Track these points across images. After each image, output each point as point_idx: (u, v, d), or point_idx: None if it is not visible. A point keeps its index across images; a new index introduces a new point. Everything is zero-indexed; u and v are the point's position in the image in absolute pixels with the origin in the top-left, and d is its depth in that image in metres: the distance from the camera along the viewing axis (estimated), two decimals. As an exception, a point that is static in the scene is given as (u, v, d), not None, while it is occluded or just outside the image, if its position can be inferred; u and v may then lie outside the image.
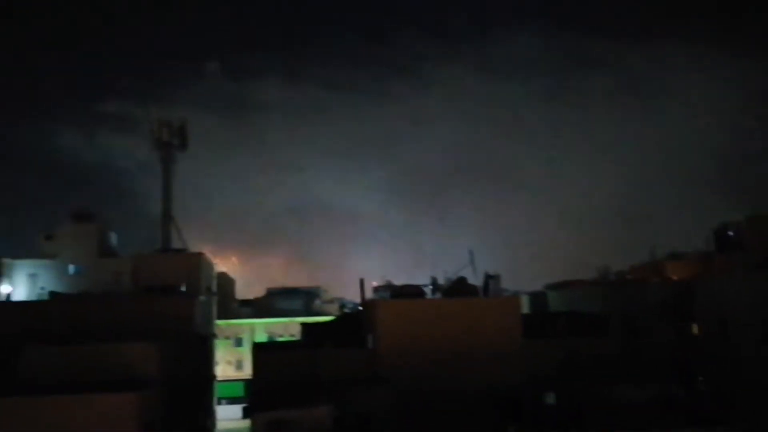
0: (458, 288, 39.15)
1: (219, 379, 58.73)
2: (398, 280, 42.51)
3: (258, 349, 39.29)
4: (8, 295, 50.40)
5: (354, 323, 40.66)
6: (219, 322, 62.76)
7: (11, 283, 51.64)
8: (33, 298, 50.78)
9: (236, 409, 51.21)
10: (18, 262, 52.96)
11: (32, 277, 52.57)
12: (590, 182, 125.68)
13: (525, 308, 51.14)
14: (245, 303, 73.48)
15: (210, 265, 58.86)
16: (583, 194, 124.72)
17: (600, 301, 48.00)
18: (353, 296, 63.77)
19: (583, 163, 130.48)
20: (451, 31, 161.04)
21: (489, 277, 40.24)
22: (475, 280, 40.39)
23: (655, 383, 31.97)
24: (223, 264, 74.91)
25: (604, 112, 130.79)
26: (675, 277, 50.45)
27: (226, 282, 70.22)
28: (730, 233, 52.22)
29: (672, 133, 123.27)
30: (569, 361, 36.50)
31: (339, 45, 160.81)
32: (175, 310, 43.49)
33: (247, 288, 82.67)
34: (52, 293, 48.92)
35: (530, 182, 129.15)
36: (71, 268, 53.17)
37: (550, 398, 31.98)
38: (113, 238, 58.93)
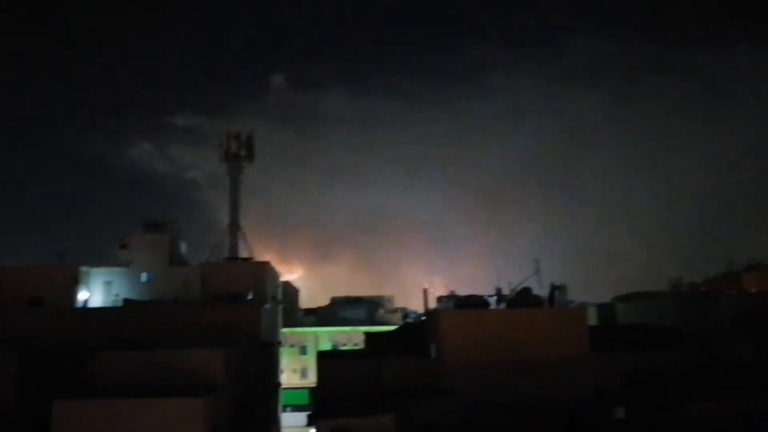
0: (522, 299, 38.51)
1: (284, 386, 59.44)
2: (462, 290, 42.13)
3: (322, 357, 39.61)
4: (85, 302, 52.36)
5: (417, 333, 40.54)
6: (284, 330, 63.60)
7: (88, 290, 53.64)
8: (108, 304, 52.59)
9: (301, 417, 51.75)
10: (94, 269, 54.97)
11: (107, 284, 54.46)
12: (662, 191, 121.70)
13: (592, 320, 49.85)
14: (310, 312, 74.26)
15: (275, 274, 59.79)
16: (654, 204, 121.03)
17: (672, 314, 46.38)
18: (416, 306, 63.67)
19: (654, 172, 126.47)
20: (515, 37, 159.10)
21: (555, 288, 39.44)
22: (541, 290, 39.67)
23: (731, 400, 30.58)
24: (288, 273, 76.08)
25: (677, 119, 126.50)
26: (753, 290, 48.36)
27: (290, 291, 71.21)
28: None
29: (748, 141, 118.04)
30: (640, 376, 35.37)
31: (402, 54, 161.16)
32: (242, 318, 44.39)
33: (311, 297, 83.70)
34: (125, 300, 50.61)
35: (598, 191, 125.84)
36: (143, 276, 54.85)
37: (619, 413, 31.07)
38: (183, 246, 60.57)
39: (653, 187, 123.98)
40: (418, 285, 43.42)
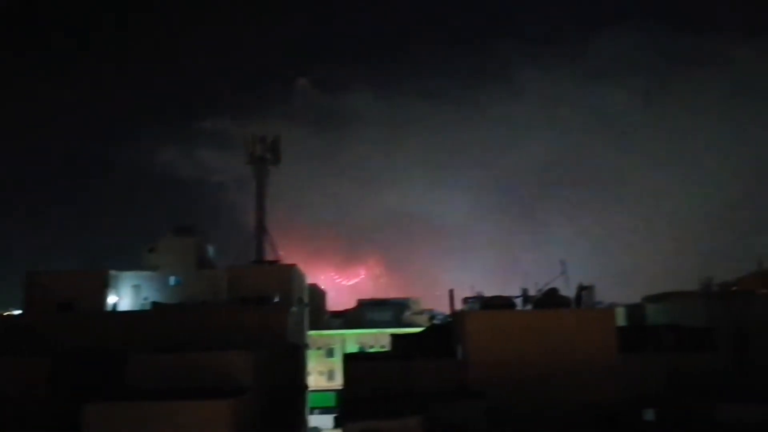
0: (549, 299, 38.14)
1: (311, 389, 59.63)
2: (490, 291, 41.81)
3: (349, 359, 39.60)
4: (114, 305, 53.11)
5: (444, 334, 40.35)
6: (311, 332, 63.82)
7: (117, 294, 54.40)
8: (137, 308, 53.25)
9: (328, 419, 51.86)
10: (123, 273, 55.73)
11: (136, 288, 55.20)
12: (694, 190, 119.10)
13: (621, 321, 49.14)
14: (336, 314, 74.42)
15: (302, 277, 60.05)
16: (685, 202, 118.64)
17: (703, 314, 45.56)
18: (443, 307, 63.37)
19: (686, 169, 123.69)
20: (544, 34, 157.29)
21: (582, 288, 39.00)
22: (568, 291, 39.22)
23: (764, 401, 29.97)
24: (315, 275, 76.28)
25: (712, 116, 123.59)
26: (787, 288, 47.35)
27: (317, 293, 71.43)
28: None
29: None
30: (672, 378, 34.83)
31: (428, 53, 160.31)
32: (269, 321, 44.61)
33: (338, 299, 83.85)
34: (154, 303, 51.20)
35: (629, 190, 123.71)
36: (171, 280, 55.49)
37: (649, 414, 30.65)
38: (210, 250, 61.14)
39: (685, 185, 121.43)
40: (445, 286, 43.13)
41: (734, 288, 54.29)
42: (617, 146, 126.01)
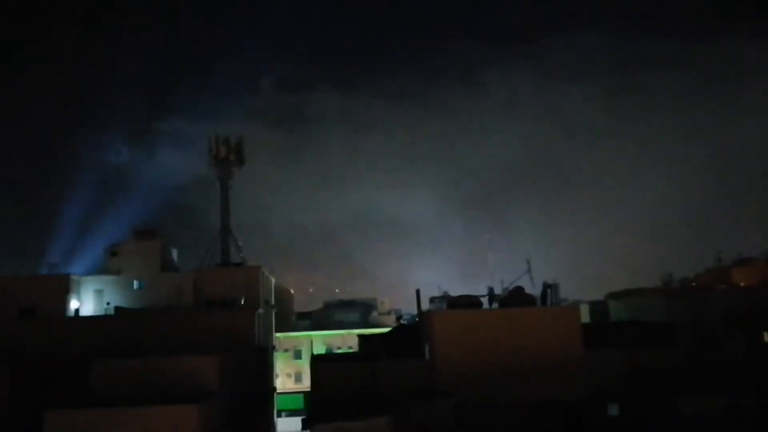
0: (515, 298, 38.59)
1: (279, 391, 59.29)
2: (457, 291, 42.18)
3: (316, 361, 39.56)
4: (77, 311, 52.09)
5: (411, 334, 40.54)
6: (278, 334, 63.46)
7: (79, 299, 53.37)
8: (99, 313, 52.35)
9: (296, 422, 51.59)
10: (85, 278, 54.72)
11: (98, 292, 54.23)
12: (653, 187, 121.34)
13: (585, 318, 50.00)
14: (303, 315, 74.12)
15: (268, 279, 59.68)
16: (645, 200, 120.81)
17: (664, 310, 46.58)
18: (411, 307, 63.65)
19: (645, 167, 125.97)
20: (505, 34, 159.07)
21: (547, 287, 39.55)
22: (533, 289, 39.76)
23: (724, 395, 30.77)
24: (281, 277, 75.83)
25: (673, 114, 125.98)
26: (742, 284, 48.68)
27: (284, 295, 71.05)
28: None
29: (743, 134, 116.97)
30: (633, 372, 35.50)
31: (391, 53, 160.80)
32: (235, 324, 44.29)
33: (305, 301, 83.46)
34: (117, 308, 50.38)
35: (592, 188, 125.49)
36: (135, 284, 54.64)
37: (614, 409, 31.21)
38: (174, 253, 60.36)
39: (647, 182, 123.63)
40: (412, 286, 43.39)
41: (693, 284, 55.63)
42: (579, 145, 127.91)
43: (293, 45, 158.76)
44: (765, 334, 41.21)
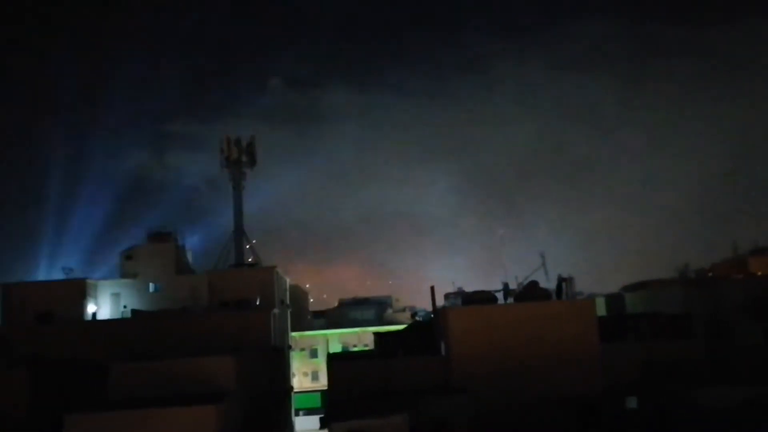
0: (529, 292, 38.44)
1: (296, 390, 59.53)
2: (473, 286, 41.99)
3: (333, 359, 39.64)
4: (94, 315, 52.57)
5: (426, 331, 40.53)
6: (294, 334, 63.70)
7: (96, 303, 53.85)
8: (116, 316, 52.79)
9: (314, 420, 51.71)
10: (102, 282, 55.22)
11: (115, 296, 54.72)
12: (668, 177, 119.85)
13: (601, 311, 49.76)
14: (318, 314, 74.34)
15: (283, 278, 59.89)
16: (660, 190, 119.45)
17: (681, 302, 46.28)
18: (426, 304, 63.67)
19: (660, 157, 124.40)
20: (517, 26, 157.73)
21: (562, 280, 39.33)
22: (548, 283, 39.54)
23: (742, 386, 30.51)
24: (296, 276, 76.03)
25: (688, 102, 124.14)
26: (759, 273, 48.27)
27: (299, 294, 71.28)
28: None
29: (760, 121, 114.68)
30: (650, 365, 35.29)
31: (402, 48, 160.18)
32: (251, 324, 44.53)
33: (321, 299, 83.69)
34: (133, 311, 50.79)
35: (606, 180, 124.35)
36: (151, 287, 55.07)
37: (631, 402, 31.04)
38: (189, 255, 60.74)
39: (662, 172, 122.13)
40: (427, 283, 43.26)
41: (709, 274, 55.20)
42: (595, 136, 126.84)
43: (303, 43, 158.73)
44: (783, 323, 40.86)
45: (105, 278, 56.22)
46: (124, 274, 56.31)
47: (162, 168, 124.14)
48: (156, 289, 54.95)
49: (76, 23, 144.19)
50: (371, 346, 50.11)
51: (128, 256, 56.84)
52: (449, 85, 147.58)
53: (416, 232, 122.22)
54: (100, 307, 54.05)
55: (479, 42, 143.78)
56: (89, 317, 51.74)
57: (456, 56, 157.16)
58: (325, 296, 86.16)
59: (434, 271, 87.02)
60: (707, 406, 27.97)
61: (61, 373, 35.30)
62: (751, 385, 30.42)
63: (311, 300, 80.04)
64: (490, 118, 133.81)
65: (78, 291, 51.91)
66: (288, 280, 63.42)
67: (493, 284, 40.79)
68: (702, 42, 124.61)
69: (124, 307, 53.61)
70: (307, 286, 79.44)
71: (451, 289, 48.74)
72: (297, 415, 58.44)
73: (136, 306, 52.59)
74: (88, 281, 53.36)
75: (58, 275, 55.59)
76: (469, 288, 42.68)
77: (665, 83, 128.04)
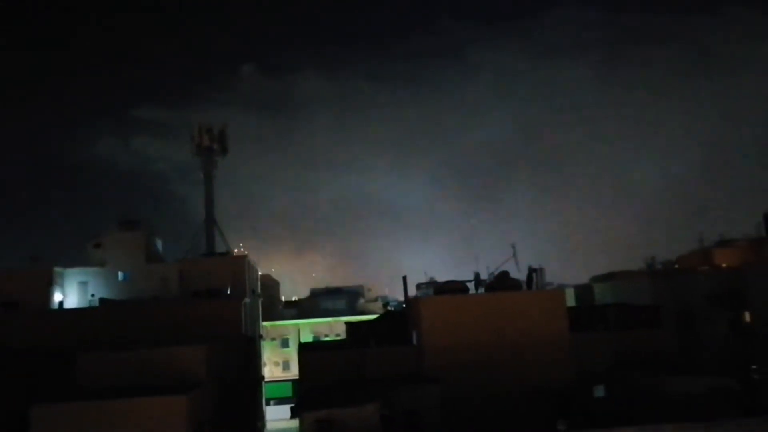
0: (500, 283, 38.74)
1: (267, 380, 59.39)
2: (448, 275, 42.18)
3: (304, 349, 39.57)
4: (60, 303, 51.73)
5: (398, 321, 40.64)
6: (265, 323, 63.48)
7: (63, 292, 52.98)
8: (84, 305, 52.00)
9: (285, 410, 51.70)
10: (69, 270, 54.30)
11: (83, 284, 53.87)
12: (643, 167, 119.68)
13: (571, 301, 50.39)
14: (290, 304, 74.14)
15: (254, 268, 59.56)
16: (634, 180, 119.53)
17: (648, 293, 47.06)
18: (399, 294, 63.84)
19: (637, 147, 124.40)
20: (495, 13, 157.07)
21: (533, 271, 39.69)
22: (519, 274, 39.87)
23: (707, 374, 31.19)
24: (269, 265, 75.61)
25: (662, 90, 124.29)
26: (724, 265, 49.22)
27: (270, 284, 70.97)
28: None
29: (734, 112, 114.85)
30: (618, 355, 35.83)
31: (379, 34, 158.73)
32: (222, 313, 44.19)
33: (294, 287, 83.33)
34: (102, 300, 50.09)
35: (582, 169, 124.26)
36: (120, 275, 54.32)
37: (600, 391, 31.50)
38: (159, 243, 60.03)
39: (637, 162, 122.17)
40: (404, 272, 43.32)
41: (676, 266, 56.18)
42: (573, 123, 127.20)
43: (277, 29, 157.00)
44: (746, 314, 41.77)
45: (72, 266, 55.28)
46: (92, 263, 55.45)
47: (131, 155, 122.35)
48: (125, 278, 54.21)
49: (43, 5, 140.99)
50: (343, 336, 50.14)
51: (96, 244, 55.95)
52: (425, 72, 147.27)
53: (391, 220, 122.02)
54: (67, 296, 53.19)
55: (456, 29, 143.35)
56: (56, 306, 50.90)
57: (432, 43, 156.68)
58: (297, 286, 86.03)
59: (409, 260, 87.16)
60: (672, 394, 28.52)
61: (27, 362, 34.75)
62: (714, 374, 31.11)
63: (285, 289, 79.72)
64: (467, 105, 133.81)
65: (44, 279, 50.98)
66: (259, 270, 63.07)
67: (467, 274, 41.06)
68: (680, 30, 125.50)
69: (92, 296, 52.82)
70: (280, 275, 79.08)
71: (423, 279, 48.93)
72: (268, 404, 58.32)
73: (105, 295, 51.85)
74: (55, 269, 52.43)
75: (23, 263, 54.51)
76: (441, 278, 42.92)
77: (644, 71, 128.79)
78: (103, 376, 30.74)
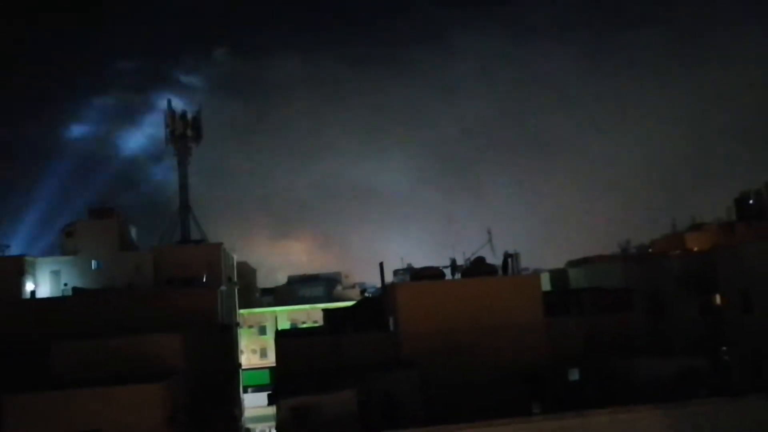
0: (476, 268, 39.01)
1: (244, 367, 59.32)
2: (427, 262, 42.28)
3: (281, 336, 39.54)
4: (32, 293, 51.02)
5: (375, 307, 40.75)
6: (242, 311, 63.28)
7: (35, 281, 52.26)
8: (57, 295, 51.37)
9: (262, 397, 51.63)
10: (40, 259, 53.57)
11: (55, 274, 53.18)
12: (623, 151, 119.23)
13: (546, 286, 50.89)
14: (267, 291, 73.96)
15: (230, 255, 59.25)
16: (613, 165, 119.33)
17: (621, 277, 47.68)
18: (376, 280, 63.90)
19: (617, 131, 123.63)
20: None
21: (508, 256, 40.01)
22: (494, 259, 40.20)
23: (678, 356, 31.74)
24: (246, 252, 75.10)
25: (644, 73, 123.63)
26: (696, 249, 50.02)
27: (247, 271, 70.66)
28: (752, 202, 51.59)
29: (715, 93, 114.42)
30: (591, 338, 36.34)
31: (355, 15, 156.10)
32: (197, 301, 43.94)
33: (272, 274, 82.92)
34: (75, 289, 49.51)
35: (563, 153, 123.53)
36: (93, 264, 53.70)
37: (573, 374, 31.93)
38: (133, 231, 59.43)
39: (617, 146, 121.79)
40: (382, 258, 43.38)
41: (649, 250, 56.99)
42: (555, 107, 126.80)
43: (250, 10, 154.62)
44: (716, 297, 42.53)
45: (44, 255, 54.51)
46: (64, 251, 54.73)
47: (100, 141, 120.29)
48: (98, 267, 53.59)
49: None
50: (320, 323, 50.18)
51: (68, 232, 55.21)
52: (406, 55, 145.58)
53: (371, 206, 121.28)
54: (39, 285, 52.46)
55: (436, 11, 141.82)
56: (27, 295, 50.20)
57: (412, 26, 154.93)
58: (275, 273, 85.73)
59: (389, 246, 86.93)
60: (642, 376, 29.00)
61: (-1, 353, 34.31)
62: (684, 356, 31.67)
63: (263, 275, 79.40)
64: (449, 89, 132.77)
65: (15, 268, 50.16)
66: (235, 257, 62.75)
67: (446, 260, 41.20)
68: (663, 13, 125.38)
69: (65, 285, 52.18)
70: (258, 262, 78.77)
71: (400, 266, 49.07)
72: (246, 392, 58.31)
73: (78, 284, 51.23)
74: (26, 258, 51.66)
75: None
76: (420, 264, 43.06)
77: (627, 54, 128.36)
78: (77, 365, 30.49)
